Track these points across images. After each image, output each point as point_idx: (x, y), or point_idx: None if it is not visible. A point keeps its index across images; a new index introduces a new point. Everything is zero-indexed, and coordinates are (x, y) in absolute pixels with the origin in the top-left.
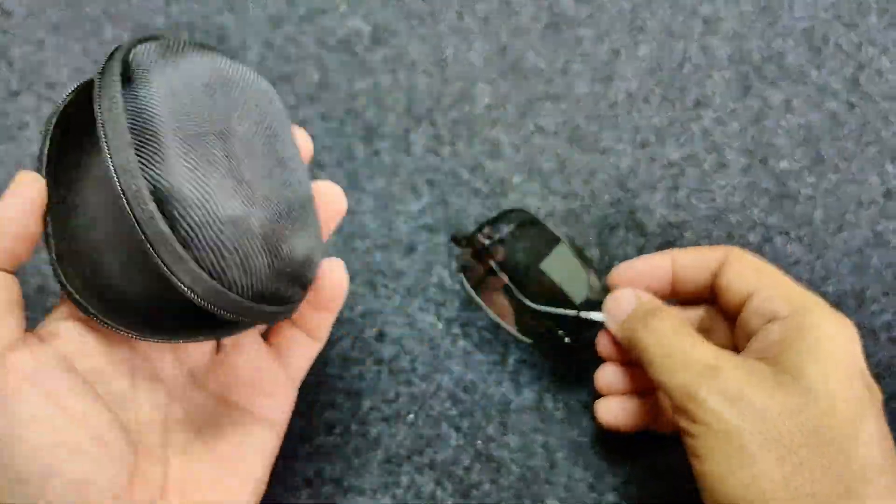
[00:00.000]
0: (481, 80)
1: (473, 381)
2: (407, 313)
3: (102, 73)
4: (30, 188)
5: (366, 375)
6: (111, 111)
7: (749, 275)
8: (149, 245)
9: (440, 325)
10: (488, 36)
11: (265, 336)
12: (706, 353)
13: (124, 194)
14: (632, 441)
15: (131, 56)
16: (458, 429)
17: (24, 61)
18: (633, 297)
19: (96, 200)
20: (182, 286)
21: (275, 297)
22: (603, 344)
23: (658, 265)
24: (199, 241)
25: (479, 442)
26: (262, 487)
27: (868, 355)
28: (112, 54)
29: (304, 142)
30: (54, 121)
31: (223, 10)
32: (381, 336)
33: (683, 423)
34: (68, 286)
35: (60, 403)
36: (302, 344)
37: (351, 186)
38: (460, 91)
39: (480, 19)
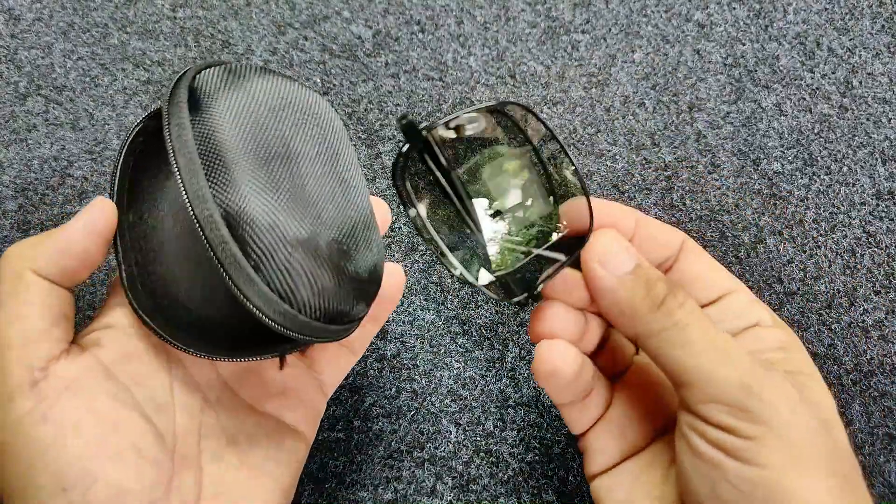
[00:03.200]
0: (480, 85)
1: (473, 378)
2: (408, 311)
3: (170, 100)
4: (99, 212)
5: (368, 372)
6: (181, 138)
7: (716, 275)
8: (222, 269)
9: (440, 323)
10: (487, 41)
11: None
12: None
13: (197, 219)
14: None
15: (196, 82)
16: (457, 424)
17: (32, 65)
18: (632, 253)
19: (169, 226)
20: (254, 309)
21: (342, 315)
22: (568, 284)
23: (622, 222)
24: (270, 263)
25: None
26: (290, 497)
27: (860, 353)
28: (177, 81)
29: (383, 214)
30: (125, 148)
31: (228, 15)
32: (382, 334)
33: (732, 421)
34: (138, 309)
35: (100, 412)
36: (339, 356)
37: None
38: (460, 95)
39: (479, 25)
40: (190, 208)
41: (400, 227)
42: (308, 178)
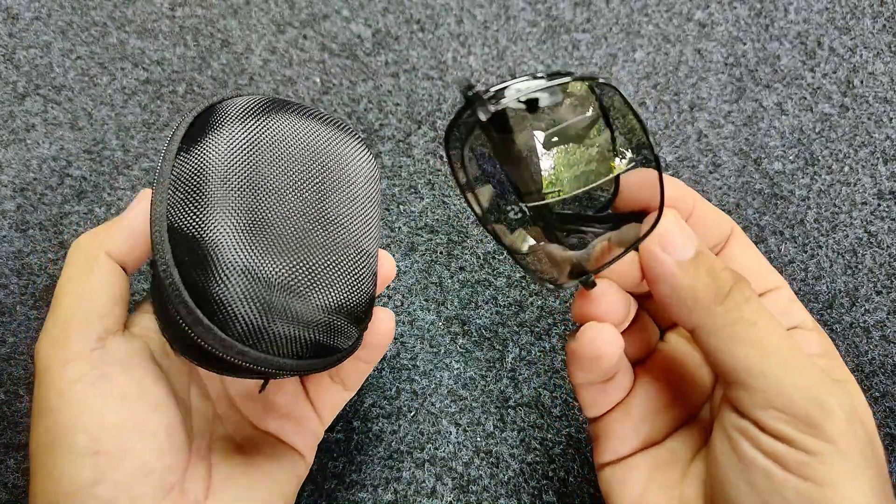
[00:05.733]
0: (480, 84)
1: (473, 378)
2: (408, 312)
3: (177, 127)
4: (147, 197)
5: None
6: (161, 171)
7: (762, 269)
8: (179, 318)
9: (440, 324)
10: (487, 41)
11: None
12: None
13: (156, 273)
14: None
15: (214, 112)
16: (457, 425)
17: (30, 64)
18: (693, 239)
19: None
20: (208, 346)
21: (321, 349)
22: (621, 263)
23: (680, 203)
24: (227, 310)
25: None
26: None
27: (861, 353)
28: (185, 117)
29: (386, 269)
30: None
31: (227, 14)
32: None
33: (794, 433)
34: (162, 329)
35: (144, 390)
36: (333, 393)
37: None
38: (460, 95)
39: (479, 24)
40: (156, 265)
41: (400, 228)
42: (281, 215)
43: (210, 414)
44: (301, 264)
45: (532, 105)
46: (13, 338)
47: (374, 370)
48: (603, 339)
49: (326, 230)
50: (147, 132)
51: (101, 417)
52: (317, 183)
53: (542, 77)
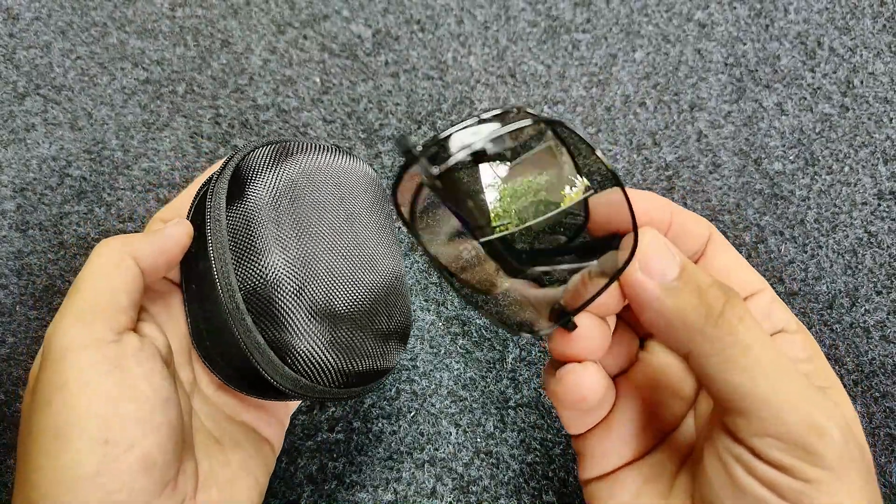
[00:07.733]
0: (480, 84)
1: (473, 379)
2: None
3: (215, 185)
4: (186, 230)
5: None
6: (217, 224)
7: (743, 273)
8: (243, 344)
9: (440, 324)
10: (487, 41)
11: None
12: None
13: (227, 309)
14: None
15: (244, 162)
16: (457, 425)
17: (30, 64)
18: (676, 256)
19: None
20: (268, 376)
21: (362, 377)
22: (608, 295)
23: (657, 217)
24: (290, 332)
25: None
26: (263, 496)
27: (861, 353)
28: (225, 165)
29: None
30: (191, 212)
31: (227, 14)
32: None
33: (791, 461)
34: (198, 349)
35: (155, 384)
36: None
37: None
38: (460, 94)
39: (480, 24)
40: (222, 298)
41: (399, 227)
42: (330, 252)
43: (188, 408)
44: (362, 298)
45: (480, 156)
46: (13, 338)
47: None
48: (586, 382)
49: (369, 259)
50: (147, 132)
51: (114, 406)
52: (358, 209)
53: (488, 120)
